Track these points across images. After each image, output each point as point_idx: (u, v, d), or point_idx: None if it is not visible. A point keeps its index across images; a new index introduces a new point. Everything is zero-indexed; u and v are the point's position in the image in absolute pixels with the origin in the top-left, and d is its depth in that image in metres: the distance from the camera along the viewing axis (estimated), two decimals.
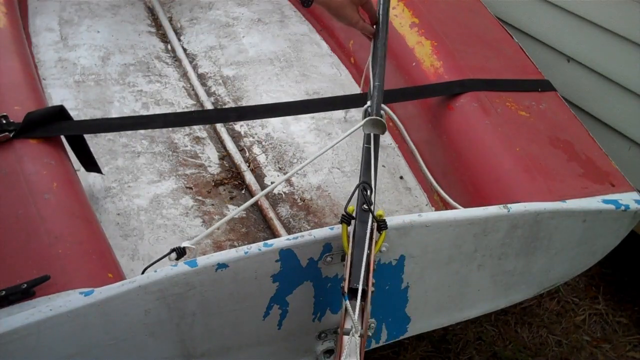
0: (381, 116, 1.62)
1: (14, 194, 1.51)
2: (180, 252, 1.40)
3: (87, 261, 1.40)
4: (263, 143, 2.34)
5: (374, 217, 1.33)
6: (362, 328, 1.18)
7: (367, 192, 1.37)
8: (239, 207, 2.06)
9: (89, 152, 1.92)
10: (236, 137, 2.36)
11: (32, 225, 1.43)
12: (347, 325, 1.19)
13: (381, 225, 1.34)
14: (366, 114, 1.67)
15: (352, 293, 1.22)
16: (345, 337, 1.19)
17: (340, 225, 1.38)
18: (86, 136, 2.18)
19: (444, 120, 2.04)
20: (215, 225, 1.52)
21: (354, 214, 1.33)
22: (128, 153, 2.20)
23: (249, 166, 2.22)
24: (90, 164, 1.95)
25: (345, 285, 1.20)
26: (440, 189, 1.91)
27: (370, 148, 1.54)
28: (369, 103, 1.68)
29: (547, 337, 2.49)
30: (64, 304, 1.22)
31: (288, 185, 2.16)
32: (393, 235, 1.42)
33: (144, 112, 2.41)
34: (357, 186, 1.37)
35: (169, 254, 1.39)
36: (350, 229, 1.33)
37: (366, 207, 1.34)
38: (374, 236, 1.32)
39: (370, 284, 1.22)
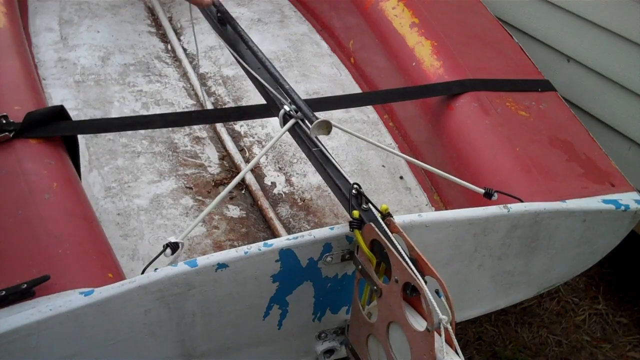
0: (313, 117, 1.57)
1: (14, 194, 1.51)
2: (174, 247, 1.40)
3: (87, 261, 1.40)
4: (263, 143, 2.34)
5: (380, 212, 1.34)
6: (448, 316, 1.16)
7: (360, 192, 1.37)
8: (239, 207, 2.06)
9: (77, 165, 1.79)
10: (236, 137, 2.36)
11: (32, 225, 1.43)
12: (435, 319, 1.16)
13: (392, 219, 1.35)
14: (286, 118, 1.64)
15: (413, 290, 1.21)
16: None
17: (340, 226, 1.39)
18: (86, 136, 2.20)
19: (444, 120, 2.04)
20: (203, 212, 1.51)
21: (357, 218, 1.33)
22: (128, 153, 2.20)
23: None
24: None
25: (418, 283, 1.17)
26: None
27: (321, 150, 1.55)
28: (287, 107, 1.64)
29: (547, 337, 2.49)
30: (64, 304, 1.22)
31: (288, 185, 2.16)
32: None
33: (144, 112, 2.41)
34: (350, 189, 1.37)
35: (163, 251, 1.39)
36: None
37: (365, 206, 1.35)
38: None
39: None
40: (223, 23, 2.06)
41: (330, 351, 1.61)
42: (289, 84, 1.71)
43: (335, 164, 1.51)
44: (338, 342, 1.60)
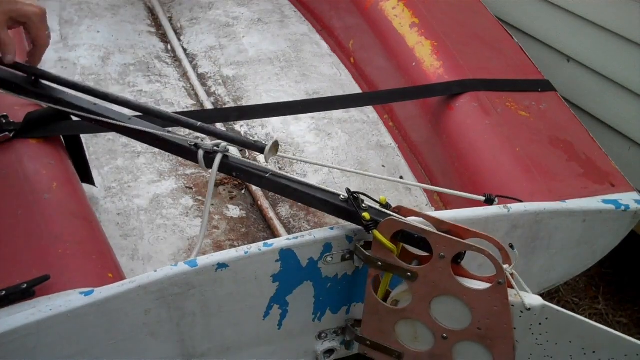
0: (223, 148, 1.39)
1: (14, 194, 1.51)
2: None
3: (87, 261, 1.40)
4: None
5: (384, 206, 1.35)
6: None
7: (357, 195, 1.37)
8: (239, 207, 2.06)
9: (84, 160, 1.82)
10: None
11: (32, 225, 1.43)
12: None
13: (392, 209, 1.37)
14: (207, 157, 1.39)
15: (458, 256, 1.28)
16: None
17: (340, 226, 1.39)
18: (86, 136, 2.20)
19: (444, 120, 2.04)
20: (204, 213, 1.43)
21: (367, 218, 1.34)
22: (128, 153, 2.20)
23: None
24: (84, 174, 1.81)
25: (474, 247, 1.23)
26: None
27: (274, 173, 1.41)
28: (205, 145, 1.39)
29: None
30: (64, 304, 1.22)
31: None
32: None
33: None
34: (350, 196, 1.37)
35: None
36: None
37: (364, 206, 1.35)
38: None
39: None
40: (37, 81, 1.56)
41: (330, 351, 1.61)
42: (189, 116, 1.44)
43: (300, 179, 1.43)
44: (338, 342, 1.60)
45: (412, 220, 1.31)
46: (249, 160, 1.45)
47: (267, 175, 1.40)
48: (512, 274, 1.26)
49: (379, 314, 1.43)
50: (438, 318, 1.35)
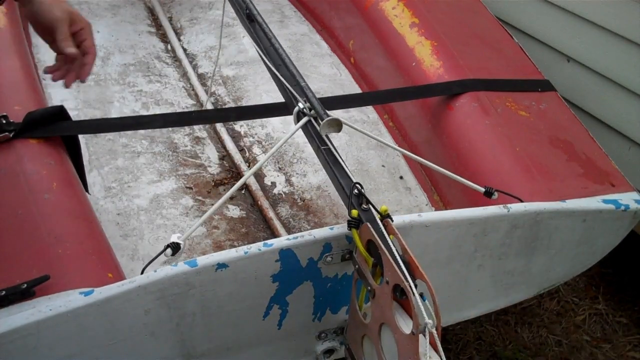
0: (326, 115, 1.61)
1: (14, 194, 1.51)
2: (175, 247, 1.40)
3: (87, 261, 1.40)
4: (263, 143, 2.34)
5: (379, 213, 1.33)
6: (434, 321, 1.15)
7: (362, 191, 1.37)
8: (239, 207, 2.06)
9: (81, 165, 1.79)
10: (236, 137, 2.36)
11: (32, 225, 1.43)
12: (420, 322, 1.15)
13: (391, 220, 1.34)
14: (300, 115, 1.66)
15: (401, 292, 1.20)
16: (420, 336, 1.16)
17: (340, 226, 1.39)
18: (86, 136, 2.20)
19: (444, 120, 2.04)
20: (206, 214, 1.50)
21: (357, 217, 1.33)
22: (128, 153, 2.20)
23: (249, 166, 2.22)
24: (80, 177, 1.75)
25: (407, 286, 1.17)
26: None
27: (330, 149, 1.57)
28: (300, 105, 1.66)
29: (547, 337, 2.49)
30: (64, 304, 1.22)
31: (288, 185, 2.16)
32: None
33: (144, 112, 2.41)
34: (352, 187, 1.37)
35: (163, 250, 1.39)
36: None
37: (365, 206, 1.35)
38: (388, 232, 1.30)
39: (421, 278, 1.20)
40: (251, 20, 2.06)
41: (330, 351, 1.61)
42: (305, 82, 1.73)
43: (342, 163, 1.52)
44: (338, 342, 1.60)
45: (391, 238, 1.27)
46: (322, 133, 1.60)
47: (322, 147, 1.58)
48: (431, 333, 1.14)
49: (355, 321, 1.42)
50: (384, 348, 1.31)
